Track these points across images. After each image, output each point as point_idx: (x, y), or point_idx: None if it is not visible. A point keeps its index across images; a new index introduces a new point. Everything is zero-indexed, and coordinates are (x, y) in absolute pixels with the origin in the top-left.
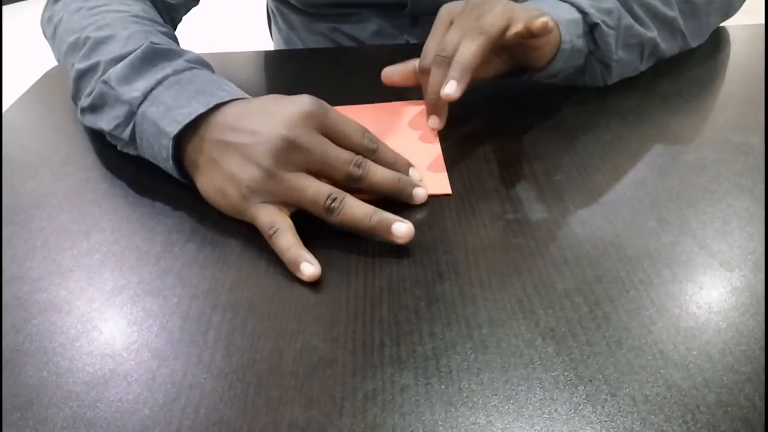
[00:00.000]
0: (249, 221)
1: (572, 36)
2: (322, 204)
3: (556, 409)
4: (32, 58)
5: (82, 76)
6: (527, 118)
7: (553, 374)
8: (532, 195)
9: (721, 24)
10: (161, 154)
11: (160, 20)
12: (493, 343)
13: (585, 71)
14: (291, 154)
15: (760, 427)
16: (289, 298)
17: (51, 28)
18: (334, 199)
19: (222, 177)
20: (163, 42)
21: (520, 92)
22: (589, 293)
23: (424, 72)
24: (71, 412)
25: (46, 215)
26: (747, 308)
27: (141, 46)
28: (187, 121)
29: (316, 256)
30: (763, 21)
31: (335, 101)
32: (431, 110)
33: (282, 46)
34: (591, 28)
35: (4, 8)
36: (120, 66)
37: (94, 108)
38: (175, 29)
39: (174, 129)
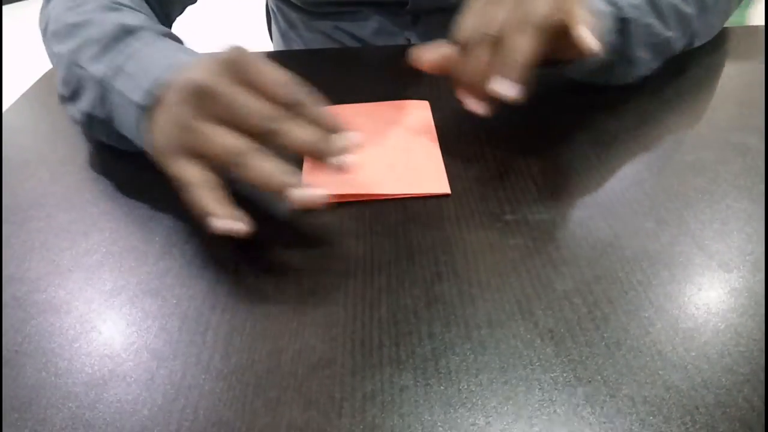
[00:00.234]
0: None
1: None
2: (228, 159)
3: (554, 410)
4: (32, 58)
5: (58, 59)
6: (526, 119)
7: (551, 375)
8: (531, 196)
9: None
10: (132, 124)
11: (146, 7)
12: (492, 344)
13: (611, 68)
14: (204, 102)
15: (759, 428)
16: (287, 298)
17: (43, 25)
18: (239, 155)
19: (155, 134)
20: (136, 21)
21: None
22: (588, 294)
23: (462, 47)
24: (70, 413)
25: (45, 215)
26: (745, 309)
27: (108, 27)
28: (150, 86)
29: (314, 256)
30: (763, 21)
31: (335, 101)
32: (472, 93)
33: (282, 45)
34: (621, 23)
35: (4, 8)
36: (90, 50)
37: (73, 96)
38: (170, 25)
39: (141, 99)
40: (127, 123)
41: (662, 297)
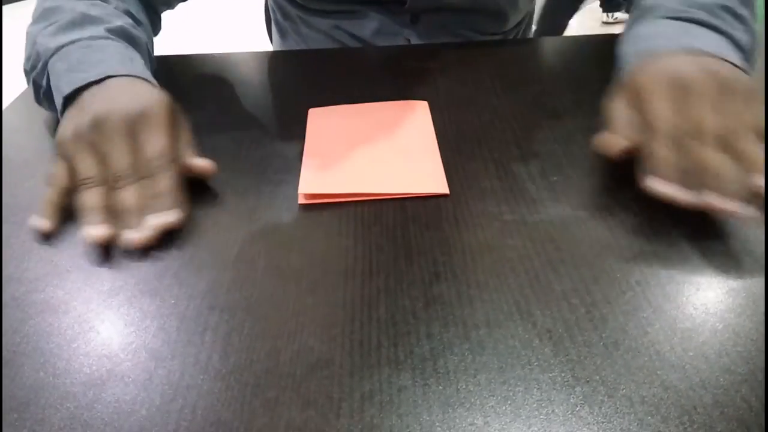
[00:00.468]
0: None
1: None
2: (76, 181)
3: (553, 410)
4: None
5: (27, 37)
6: (525, 119)
7: (550, 375)
8: (530, 196)
9: None
10: (58, 102)
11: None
12: (490, 344)
13: None
14: (97, 132)
15: (757, 427)
16: (286, 299)
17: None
18: (85, 186)
19: (61, 127)
20: (98, 13)
21: (518, 94)
22: (586, 294)
23: (658, 137)
24: (68, 413)
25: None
26: (743, 309)
27: (72, 12)
28: (79, 85)
29: (313, 256)
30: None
31: (335, 101)
32: (670, 183)
33: (281, 45)
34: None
35: (4, 8)
36: (49, 29)
37: (32, 69)
38: (158, 18)
39: (67, 90)
40: (51, 101)
41: (660, 297)
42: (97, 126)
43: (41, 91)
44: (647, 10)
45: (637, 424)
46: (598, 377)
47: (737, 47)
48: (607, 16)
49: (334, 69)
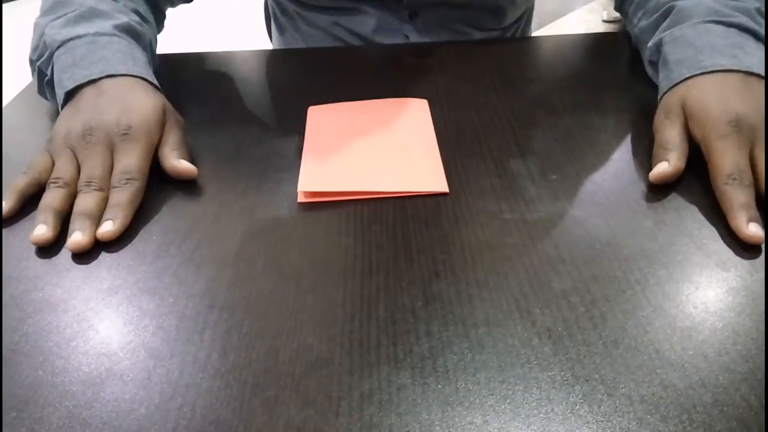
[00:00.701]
0: None
1: None
2: (49, 178)
3: (552, 409)
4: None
5: (35, 28)
6: (524, 118)
7: (549, 374)
8: (529, 194)
9: None
10: (59, 95)
11: None
12: (489, 343)
13: None
14: (80, 139)
15: (756, 426)
16: (285, 297)
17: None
18: (53, 184)
19: (56, 124)
20: (106, 8)
21: (518, 92)
22: (586, 293)
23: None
24: (67, 412)
25: None
26: (743, 308)
27: (81, 6)
28: (81, 82)
29: (313, 255)
30: None
31: (335, 100)
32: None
33: (280, 43)
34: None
35: (4, 6)
36: (58, 21)
37: (38, 59)
38: (162, 16)
39: (69, 85)
40: (53, 92)
41: (660, 296)
42: (84, 135)
43: (45, 80)
44: (686, 8)
45: (637, 423)
46: (597, 376)
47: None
48: (608, 14)
49: (333, 67)
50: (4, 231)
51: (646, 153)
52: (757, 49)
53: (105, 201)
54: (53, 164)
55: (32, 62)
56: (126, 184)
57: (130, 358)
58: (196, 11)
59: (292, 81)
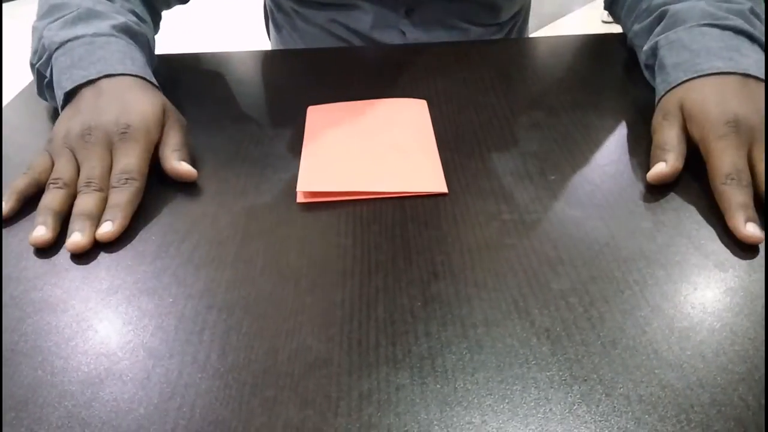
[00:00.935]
0: None
1: None
2: (48, 179)
3: (550, 409)
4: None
5: (33, 32)
6: (524, 118)
7: (548, 374)
8: (528, 195)
9: None
10: (58, 96)
11: None
12: (488, 343)
13: None
14: (79, 140)
15: (754, 426)
16: (284, 298)
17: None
18: (53, 185)
19: (57, 123)
20: (104, 9)
21: (517, 92)
22: (584, 293)
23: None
24: (66, 412)
25: None
26: (741, 309)
27: (79, 8)
28: (79, 82)
29: (312, 255)
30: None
31: (334, 100)
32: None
33: (278, 41)
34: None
35: (4, 6)
36: (55, 23)
37: (37, 61)
38: (158, 17)
39: (68, 86)
40: (53, 93)
41: (658, 296)
42: (83, 135)
43: (44, 81)
44: (680, 11)
45: (635, 423)
46: (595, 376)
47: (761, 46)
48: (607, 15)
49: (333, 67)
50: (4, 231)
51: (644, 154)
52: (753, 51)
53: (104, 201)
54: (53, 165)
55: (32, 65)
56: (125, 184)
57: (129, 358)
58: (195, 12)
59: (291, 81)
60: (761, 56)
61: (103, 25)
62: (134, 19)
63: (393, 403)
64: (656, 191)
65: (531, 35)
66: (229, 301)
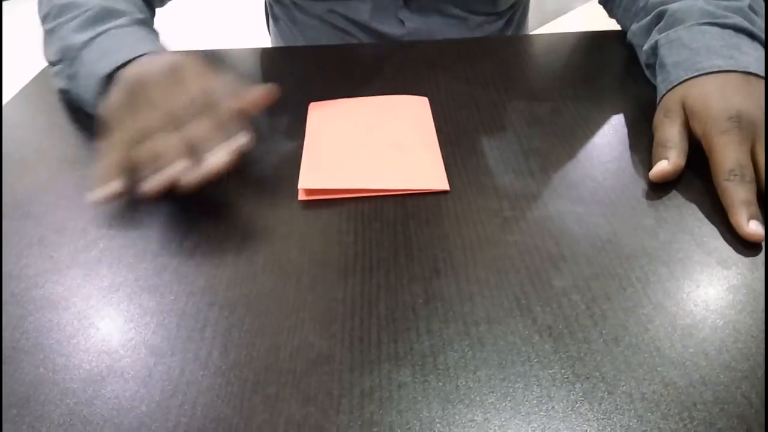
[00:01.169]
0: None
1: None
2: (130, 137)
3: (553, 407)
4: (30, 54)
5: (46, 34)
6: (525, 116)
7: (550, 371)
8: (530, 192)
9: None
10: (91, 90)
11: None
12: (490, 341)
13: None
14: (138, 95)
15: (757, 424)
16: (286, 295)
17: (41, 12)
18: (148, 136)
19: (107, 105)
20: (120, 7)
21: (519, 89)
22: (587, 291)
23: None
24: (68, 409)
25: (43, 212)
26: (744, 306)
27: (93, 8)
28: (120, 62)
29: (313, 252)
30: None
31: (335, 96)
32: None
33: (277, 34)
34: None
35: (4, 4)
36: (73, 23)
37: (56, 62)
38: (154, 12)
39: (106, 69)
40: (84, 88)
41: (661, 294)
42: (142, 83)
43: (75, 78)
44: (679, 10)
45: (637, 421)
46: (598, 374)
47: (761, 43)
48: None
49: (334, 64)
50: (4, 229)
51: (646, 151)
52: (753, 49)
53: (210, 121)
54: (128, 162)
55: (51, 64)
56: (217, 103)
57: (130, 356)
58: (195, 8)
59: (292, 79)
60: (761, 53)
61: (125, 20)
62: (147, 15)
63: (395, 401)
64: (658, 188)
65: (533, 32)
66: (230, 298)
